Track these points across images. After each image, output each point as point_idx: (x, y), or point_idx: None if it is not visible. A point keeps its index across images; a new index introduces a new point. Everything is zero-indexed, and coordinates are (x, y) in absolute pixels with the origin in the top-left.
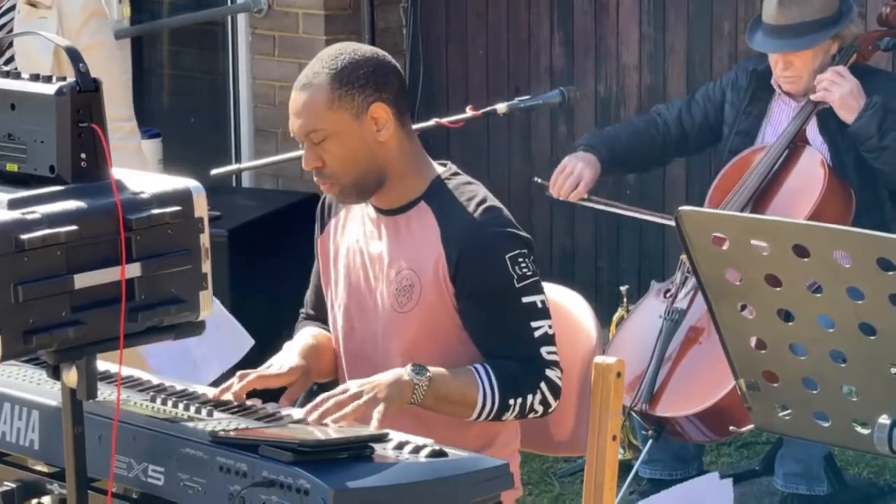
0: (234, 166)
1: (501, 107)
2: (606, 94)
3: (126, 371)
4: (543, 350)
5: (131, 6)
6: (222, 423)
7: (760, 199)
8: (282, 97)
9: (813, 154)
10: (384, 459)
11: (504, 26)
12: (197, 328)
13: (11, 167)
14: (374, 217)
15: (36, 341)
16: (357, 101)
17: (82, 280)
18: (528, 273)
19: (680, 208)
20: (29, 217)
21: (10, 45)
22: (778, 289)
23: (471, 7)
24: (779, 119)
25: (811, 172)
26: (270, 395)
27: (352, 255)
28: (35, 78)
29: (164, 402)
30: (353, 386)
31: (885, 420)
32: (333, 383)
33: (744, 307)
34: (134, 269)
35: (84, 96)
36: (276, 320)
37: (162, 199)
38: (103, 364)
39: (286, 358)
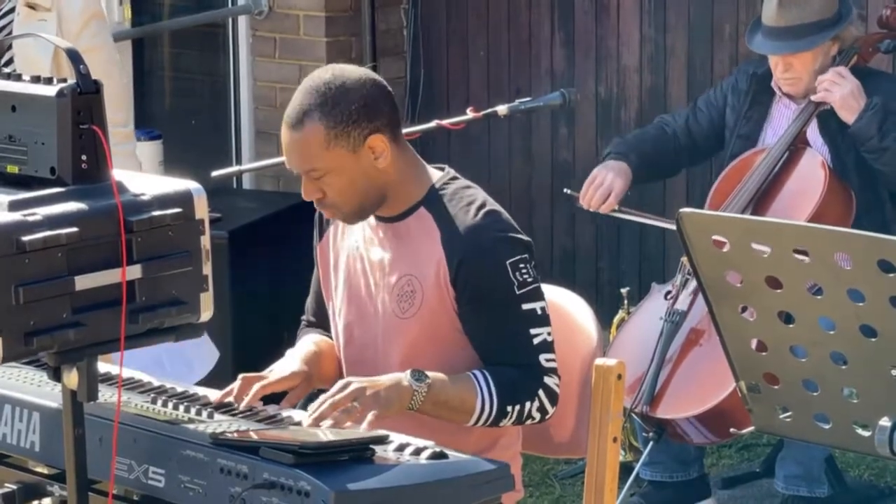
0: (234, 168)
1: (502, 108)
2: (607, 95)
3: (127, 373)
4: (542, 357)
5: (132, 8)
6: (223, 424)
7: (761, 200)
8: (282, 99)
9: (813, 156)
10: (385, 461)
11: (505, 28)
12: (197, 330)
13: (12, 169)
14: (373, 224)
15: (37, 343)
16: (353, 136)
17: (83, 282)
18: (529, 279)
19: (681, 210)
20: (30, 219)
21: (10, 47)
22: (778, 291)
23: (471, 8)
24: (779, 122)
25: (812, 174)
26: (272, 399)
27: (352, 261)
28: (36, 80)
29: (164, 404)
30: (353, 383)
31: (885, 422)
32: None
33: (744, 309)
34: (135, 271)
35: (85, 98)
36: (276, 322)
37: (163, 201)
38: (104, 366)
39: (288, 363)
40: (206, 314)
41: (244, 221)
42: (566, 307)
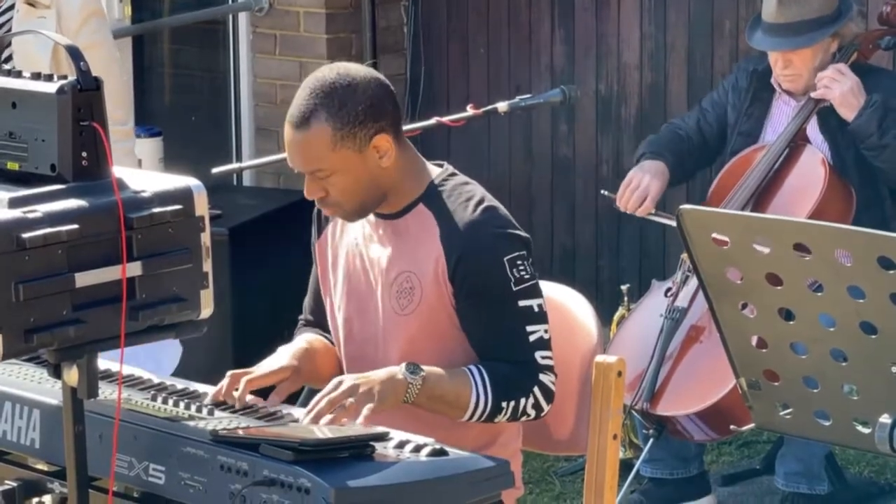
0: (234, 165)
1: (502, 105)
2: (607, 92)
3: (127, 370)
4: (538, 354)
5: (132, 5)
6: (223, 421)
7: (761, 197)
8: (283, 95)
9: (814, 153)
10: (385, 458)
11: (505, 25)
12: (198, 327)
13: (12, 166)
14: (372, 221)
15: (37, 340)
16: (359, 137)
17: (83, 279)
18: (526, 276)
19: (681, 207)
20: (30, 216)
21: (9, 44)
22: (779, 288)
23: (472, 5)
24: (779, 119)
25: (812, 171)
26: (260, 393)
27: (351, 258)
28: (36, 76)
29: (164, 401)
30: (347, 380)
31: (885, 419)
32: None
33: (745, 306)
34: (135, 268)
35: (85, 95)
36: (276, 319)
37: (163, 198)
38: (104, 363)
39: (277, 359)
40: (206, 311)
41: (244, 218)
42: (566, 304)
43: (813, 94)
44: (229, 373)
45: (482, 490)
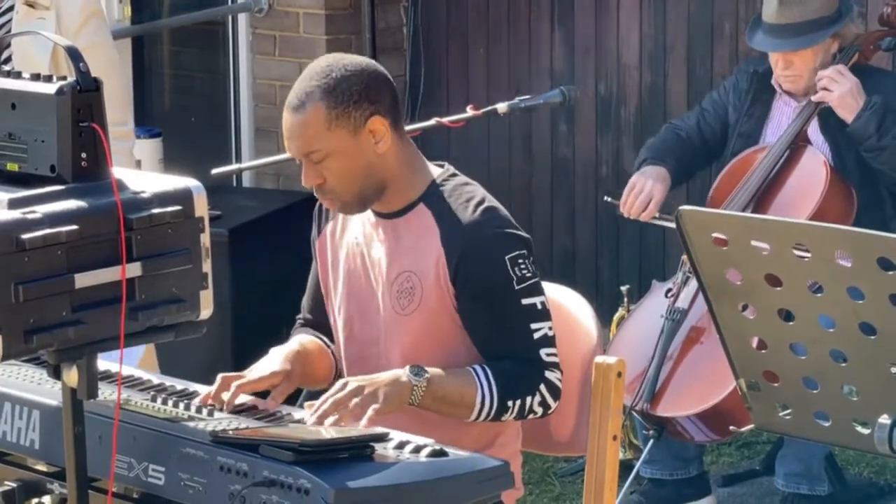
0: (234, 166)
1: (502, 106)
2: (607, 93)
3: (126, 371)
4: (543, 352)
5: (132, 6)
6: (223, 422)
7: (762, 199)
8: (282, 96)
9: (815, 154)
10: (385, 459)
11: (504, 25)
12: (197, 327)
13: (12, 167)
14: (373, 220)
15: (36, 341)
16: (354, 117)
17: (83, 279)
18: (528, 275)
19: (680, 208)
20: (29, 217)
21: (8, 45)
22: (778, 289)
23: (471, 6)
24: (780, 120)
25: (813, 172)
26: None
27: (352, 258)
28: (36, 77)
29: (164, 402)
30: (351, 382)
31: (885, 420)
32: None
33: (744, 307)
34: (134, 269)
35: (84, 96)
36: (276, 320)
37: (162, 199)
38: (104, 363)
39: (269, 362)
40: (205, 312)
41: (244, 219)
42: (566, 305)
43: (813, 98)
44: (220, 375)
45: (482, 491)
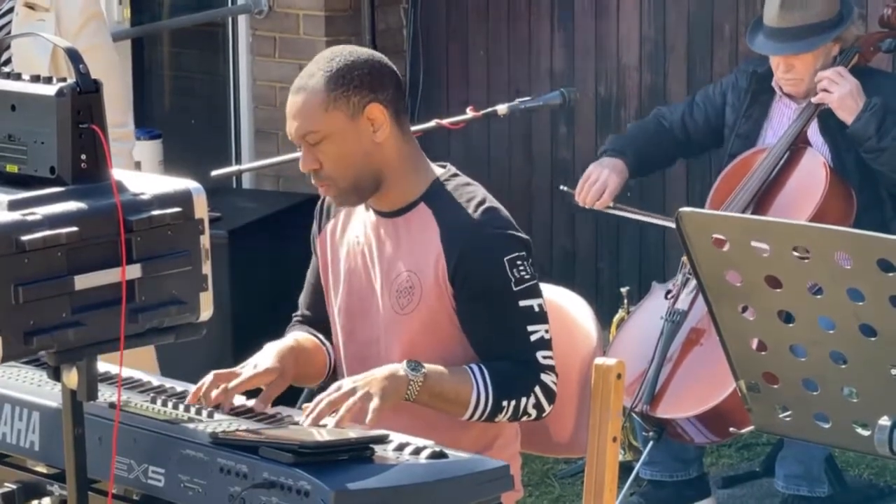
0: (234, 167)
1: (502, 108)
2: (607, 95)
3: (126, 372)
4: (539, 354)
5: (131, 7)
6: (222, 424)
7: (762, 200)
8: (282, 98)
9: (815, 156)
10: (384, 461)
11: (504, 27)
12: (197, 329)
13: (12, 168)
14: (373, 219)
15: (36, 342)
16: (352, 101)
17: (83, 281)
18: (526, 276)
19: (680, 209)
20: (29, 218)
21: (8, 47)
22: (778, 290)
23: (471, 7)
24: (779, 121)
25: (813, 174)
26: (247, 394)
27: (352, 257)
28: (35, 79)
29: (164, 404)
30: (346, 383)
31: (885, 421)
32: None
33: (744, 308)
34: (134, 271)
35: (84, 97)
36: (276, 321)
37: (162, 201)
38: (104, 365)
39: (261, 359)
40: (205, 314)
41: (244, 221)
42: (566, 306)
43: (813, 99)
44: (213, 372)
45: (482, 492)
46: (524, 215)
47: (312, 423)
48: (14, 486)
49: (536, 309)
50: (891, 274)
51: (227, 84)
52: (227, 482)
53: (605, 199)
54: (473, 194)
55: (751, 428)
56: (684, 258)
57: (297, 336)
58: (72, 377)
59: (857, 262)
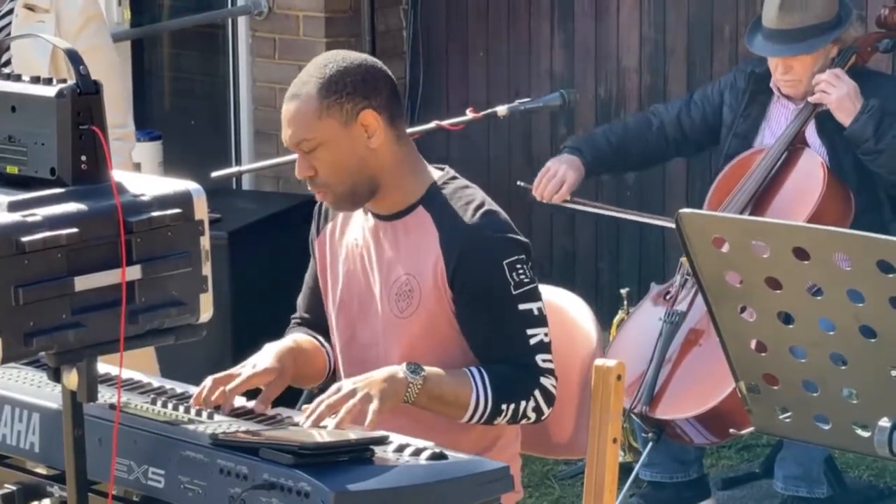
0: (234, 169)
1: (502, 109)
2: (607, 96)
3: (126, 373)
4: (538, 358)
5: (131, 9)
6: (223, 425)
7: (760, 201)
8: (282, 99)
9: (812, 156)
10: (385, 462)
11: (504, 28)
12: (197, 330)
13: (12, 169)
14: (372, 222)
15: (36, 344)
16: (346, 109)
17: (83, 282)
18: (526, 280)
19: (680, 210)
20: (29, 219)
21: (8, 48)
22: (778, 291)
23: (471, 9)
24: (777, 122)
25: (811, 174)
26: (246, 394)
27: (351, 259)
28: (35, 80)
29: (164, 405)
30: (346, 385)
31: (885, 423)
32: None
33: (744, 309)
34: (134, 272)
35: (84, 98)
36: (276, 322)
37: (162, 202)
38: (104, 366)
39: (260, 359)
40: (205, 315)
41: (244, 222)
42: (566, 308)
43: (810, 99)
44: (210, 378)
45: (482, 493)
46: (524, 216)
47: (311, 425)
48: (14, 488)
49: (536, 312)
50: (890, 275)
51: (226, 85)
52: (227, 483)
53: (563, 193)
54: (472, 197)
55: (750, 429)
56: (683, 259)
57: (297, 337)
58: (72, 378)
59: (856, 263)
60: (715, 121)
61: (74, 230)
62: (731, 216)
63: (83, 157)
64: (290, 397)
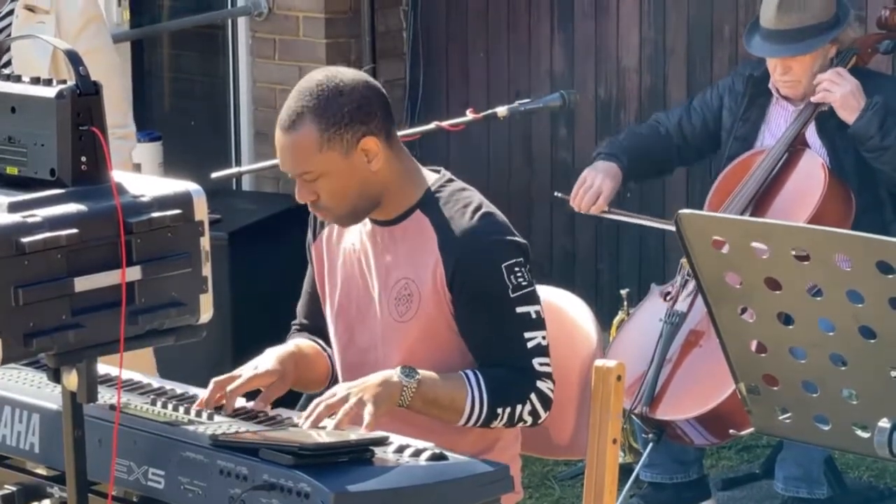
0: (234, 169)
1: (502, 110)
2: (607, 97)
3: (126, 374)
4: (535, 361)
5: (131, 10)
6: (223, 426)
7: (760, 202)
8: (282, 100)
9: (813, 157)
10: (384, 463)
11: (504, 29)
12: (197, 331)
13: (12, 170)
14: (369, 227)
15: (36, 344)
16: (346, 139)
17: (82, 283)
18: (524, 283)
19: (680, 212)
20: (29, 220)
21: (8, 49)
22: (778, 292)
23: (471, 10)
24: (777, 123)
25: (811, 175)
26: (247, 396)
27: (349, 264)
28: (35, 81)
29: (164, 406)
30: (341, 389)
31: (885, 423)
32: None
33: (744, 310)
34: (134, 273)
35: (84, 99)
36: (276, 323)
37: (162, 203)
38: (103, 367)
39: (262, 361)
40: (205, 315)
41: (244, 223)
42: (565, 308)
43: (813, 98)
44: (213, 381)
45: (481, 494)
46: (524, 217)
47: (310, 426)
48: (14, 489)
49: (533, 315)
50: (890, 276)
51: (226, 86)
52: (227, 484)
53: (601, 204)
54: (469, 200)
55: (750, 430)
56: (683, 260)
57: (298, 342)
58: (72, 379)
59: (856, 264)
60: (715, 125)
61: (74, 231)
62: (731, 217)
63: (83, 158)
64: (290, 400)
